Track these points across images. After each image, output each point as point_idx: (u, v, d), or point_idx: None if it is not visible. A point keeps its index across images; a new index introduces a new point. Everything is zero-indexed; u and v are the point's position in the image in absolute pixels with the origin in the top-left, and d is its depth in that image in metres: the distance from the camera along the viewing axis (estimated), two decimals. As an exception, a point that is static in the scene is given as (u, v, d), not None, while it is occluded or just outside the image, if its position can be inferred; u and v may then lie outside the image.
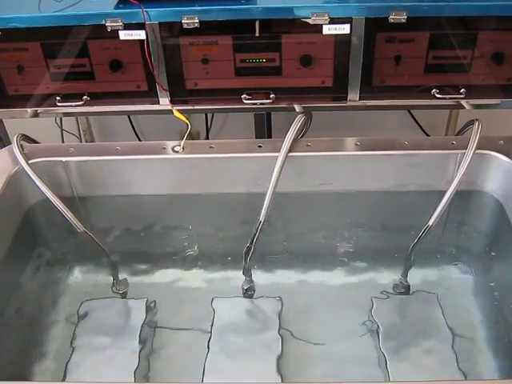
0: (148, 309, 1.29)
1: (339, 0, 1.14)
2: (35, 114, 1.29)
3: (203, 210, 1.31)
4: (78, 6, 1.17)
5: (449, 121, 1.76)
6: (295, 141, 1.21)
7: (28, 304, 1.27)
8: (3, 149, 1.27)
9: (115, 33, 1.15)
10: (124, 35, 1.15)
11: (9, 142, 1.32)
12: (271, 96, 1.24)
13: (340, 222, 1.33)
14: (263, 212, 1.17)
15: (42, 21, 1.15)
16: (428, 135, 1.80)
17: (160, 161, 1.23)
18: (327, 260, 1.39)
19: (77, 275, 1.41)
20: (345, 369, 1.22)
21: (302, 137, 1.28)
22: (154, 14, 1.13)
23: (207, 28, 1.15)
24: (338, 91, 1.24)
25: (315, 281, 1.39)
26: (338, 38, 1.17)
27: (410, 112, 1.76)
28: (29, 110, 1.28)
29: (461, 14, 1.13)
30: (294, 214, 1.32)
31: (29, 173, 1.18)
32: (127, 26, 1.14)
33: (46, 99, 1.26)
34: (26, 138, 1.28)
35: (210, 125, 1.81)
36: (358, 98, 1.24)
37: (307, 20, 1.13)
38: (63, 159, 1.23)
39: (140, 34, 1.15)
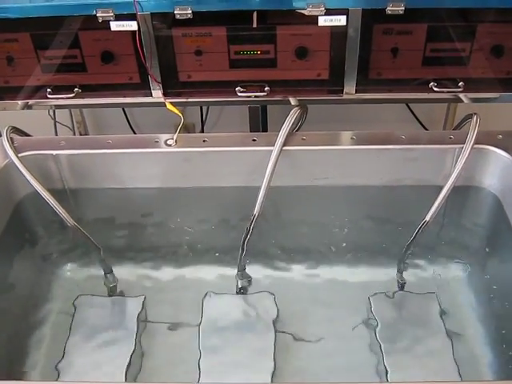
0: (143, 306, 1.27)
1: (335, -10, 1.12)
2: (26, 106, 1.27)
3: (196, 204, 1.29)
4: (69, -5, 1.15)
5: (447, 114, 1.74)
6: (290, 134, 1.19)
7: (18, 299, 1.25)
8: (-8, 141, 1.25)
9: (106, 24, 1.12)
10: (115, 26, 1.13)
11: (-1, 135, 1.30)
12: (266, 89, 1.21)
13: (335, 217, 1.31)
14: (257, 206, 1.16)
15: (32, 11, 1.13)
16: (426, 129, 1.78)
17: (152, 154, 1.21)
18: (322, 255, 1.37)
19: (68, 269, 1.39)
20: (340, 366, 1.21)
21: (297, 130, 1.26)
22: (146, 5, 1.11)
23: (200, 19, 1.12)
24: (334, 84, 1.22)
25: (310, 276, 1.37)
26: (334, 30, 1.14)
27: (407, 105, 1.74)
28: (19, 102, 1.26)
29: (460, 6, 1.10)
30: (288, 208, 1.30)
31: (18, 166, 1.15)
32: (119, 17, 1.12)
33: (37, 91, 1.24)
34: (17, 130, 1.26)
35: (206, 117, 1.78)
36: (354, 91, 1.22)
37: (302, 11, 1.11)
38: (54, 152, 1.21)
39: (132, 25, 1.13)
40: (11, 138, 1.21)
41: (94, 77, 1.22)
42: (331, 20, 1.11)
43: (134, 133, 1.84)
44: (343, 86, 1.21)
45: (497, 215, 1.20)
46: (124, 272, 1.36)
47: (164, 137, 1.23)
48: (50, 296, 1.34)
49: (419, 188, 1.23)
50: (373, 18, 1.12)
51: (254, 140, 1.22)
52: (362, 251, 1.37)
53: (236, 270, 1.28)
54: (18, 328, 1.25)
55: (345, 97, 1.23)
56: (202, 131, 1.80)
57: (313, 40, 1.16)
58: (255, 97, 1.23)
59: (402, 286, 1.28)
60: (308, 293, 1.33)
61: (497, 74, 1.19)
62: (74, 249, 1.37)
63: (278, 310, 1.26)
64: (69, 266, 1.40)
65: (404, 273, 1.27)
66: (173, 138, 1.22)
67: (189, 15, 1.11)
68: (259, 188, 1.15)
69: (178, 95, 1.25)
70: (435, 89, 1.20)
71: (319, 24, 1.12)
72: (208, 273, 1.38)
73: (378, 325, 1.22)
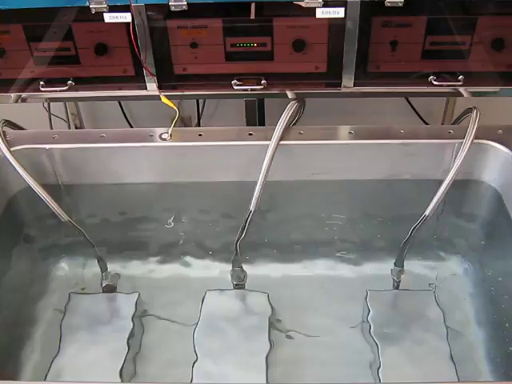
0: (137, 302, 1.25)
1: (333, -19, 1.10)
2: (19, 99, 1.25)
3: (191, 199, 1.27)
4: (62, -14, 1.12)
5: (446, 108, 1.72)
6: (287, 129, 1.17)
7: (12, 295, 1.23)
8: (-15, 136, 1.23)
9: (100, 15, 1.10)
10: (109, 18, 1.11)
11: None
12: (262, 82, 1.19)
13: (333, 213, 1.30)
14: (253, 201, 1.14)
15: (24, 2, 1.10)
16: (425, 122, 1.76)
17: (147, 149, 1.19)
18: (319, 251, 1.36)
19: (63, 265, 1.38)
20: (337, 362, 1.20)
21: (295, 124, 1.24)
22: (141, -4, 1.09)
23: (196, 11, 1.10)
24: (332, 77, 1.20)
25: (307, 272, 1.35)
26: (332, 22, 1.12)
27: (407, 99, 1.72)
28: (12, 94, 1.24)
29: (460, -2, 1.09)
30: (285, 203, 1.28)
31: (11, 160, 1.13)
32: (112, 8, 1.09)
33: (30, 84, 1.22)
34: (10, 123, 1.24)
35: (202, 110, 1.76)
36: (352, 85, 1.20)
37: (300, 3, 1.09)
38: (47, 146, 1.19)
39: (126, 17, 1.11)
40: (3, 131, 1.19)
41: (88, 69, 1.20)
42: (329, 12, 1.09)
43: (131, 126, 1.81)
44: (341, 80, 1.19)
45: (496, 210, 1.19)
46: (118, 268, 1.34)
47: (159, 131, 1.21)
48: (44, 292, 1.32)
49: (418, 182, 1.21)
50: (371, 10, 1.10)
51: (251, 134, 1.20)
52: (359, 246, 1.35)
53: (231, 266, 1.26)
54: (10, 324, 1.23)
55: (343, 90, 1.21)
56: (199, 124, 1.78)
57: (310, 32, 1.14)
58: (251, 90, 1.21)
59: (399, 283, 1.26)
60: (304, 289, 1.32)
61: (497, 68, 1.17)
62: (69, 245, 1.35)
63: (272, 308, 1.24)
64: (63, 261, 1.38)
65: (402, 269, 1.26)
66: (168, 132, 1.20)
67: (184, 7, 1.09)
68: (255, 183, 1.13)
69: (174, 88, 1.23)
70: (435, 82, 1.18)
71: (317, 16, 1.10)
72: (203, 268, 1.36)
73: (373, 321, 1.21)
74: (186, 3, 1.08)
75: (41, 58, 1.19)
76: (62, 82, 1.20)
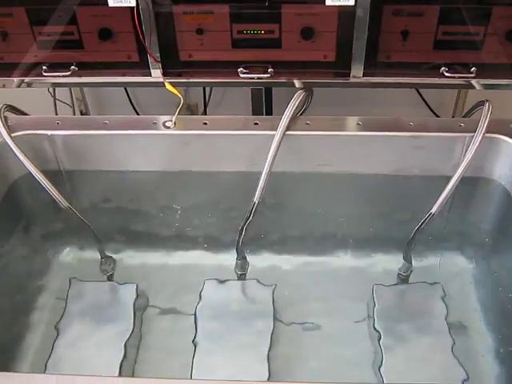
0: (137, 292, 1.24)
1: (344, -32, 1.07)
2: (22, 84, 1.23)
3: (194, 188, 1.25)
4: (65, -31, 1.10)
5: (457, 99, 1.68)
6: (294, 118, 1.14)
7: (12, 282, 1.22)
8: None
9: (104, -1, 1.08)
10: (113, 2, 1.08)
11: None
12: (269, 70, 1.16)
13: (338, 205, 1.27)
14: (258, 193, 1.12)
15: (27, -15, 1.09)
16: (435, 114, 1.72)
17: (150, 137, 1.17)
18: (324, 245, 1.33)
19: (63, 252, 1.37)
20: (339, 356, 1.18)
21: (302, 114, 1.22)
22: (146, -20, 1.06)
23: (202, -4, 1.08)
24: (341, 66, 1.16)
25: (311, 266, 1.33)
26: (342, 10, 1.09)
27: (417, 89, 1.68)
28: (15, 79, 1.21)
29: (474, -13, 1.05)
30: (290, 195, 1.26)
31: (11, 146, 1.11)
32: (117, -8, 1.07)
33: (33, 68, 1.19)
34: (13, 108, 1.22)
35: (209, 98, 1.73)
36: (361, 75, 1.16)
37: (309, -11, 1.06)
38: (49, 133, 1.17)
39: (130, 1, 1.07)
40: (5, 116, 1.16)
41: (92, 54, 1.18)
42: (339, -1, 1.06)
43: (137, 112, 1.79)
44: (350, 69, 1.16)
45: (506, 208, 1.16)
46: (120, 257, 1.33)
47: (163, 118, 1.19)
48: (46, 279, 1.31)
49: (426, 178, 1.18)
50: (383, -3, 1.06)
51: (256, 124, 1.17)
52: (365, 241, 1.33)
53: (235, 258, 1.24)
54: (11, 312, 1.22)
55: (352, 80, 1.17)
56: (205, 112, 1.75)
57: (319, 20, 1.11)
58: (258, 78, 1.18)
59: (406, 278, 1.24)
60: (309, 282, 1.30)
61: (511, 60, 1.14)
62: (70, 232, 1.33)
63: (273, 300, 1.23)
64: (66, 249, 1.37)
65: (408, 264, 1.23)
66: (172, 120, 1.18)
67: (190, -8, 1.06)
68: (260, 174, 1.10)
69: (178, 75, 1.20)
70: (446, 74, 1.14)
71: (326, 3, 1.06)
72: (206, 259, 1.35)
73: (378, 314, 1.19)
74: (192, -12, 1.06)
75: (44, 42, 1.16)
76: (65, 66, 1.18)
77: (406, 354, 1.13)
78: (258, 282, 1.26)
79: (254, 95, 1.38)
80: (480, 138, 1.09)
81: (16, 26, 1.14)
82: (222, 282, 1.26)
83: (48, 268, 1.34)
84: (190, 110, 1.78)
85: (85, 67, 1.19)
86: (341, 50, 1.15)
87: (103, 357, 1.14)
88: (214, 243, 1.36)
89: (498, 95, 1.17)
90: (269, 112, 1.46)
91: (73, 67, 1.18)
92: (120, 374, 1.10)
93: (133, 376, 1.15)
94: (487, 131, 1.09)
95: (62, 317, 1.21)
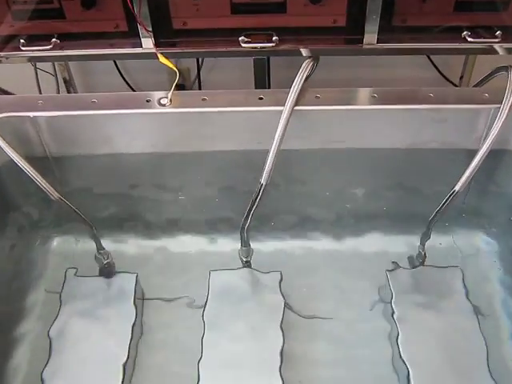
0: (137, 282, 1.16)
1: None
2: (-1, 59, 1.11)
3: (194, 170, 1.15)
4: None
5: (466, 61, 1.58)
6: (302, 91, 1.04)
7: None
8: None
9: (86, -40, 0.96)
10: (97, -36, 0.96)
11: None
12: (274, 38, 1.05)
13: (352, 184, 1.19)
14: (265, 174, 1.02)
15: None
16: (446, 77, 1.62)
17: (143, 116, 1.06)
18: (337, 226, 1.26)
19: (55, 243, 1.28)
20: (352, 345, 1.12)
21: (305, 81, 1.11)
22: None
23: (197, -45, 0.96)
24: (353, 32, 1.06)
25: (323, 248, 1.26)
26: (355, -32, 0.98)
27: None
28: (-11, 54, 1.10)
29: None
30: (299, 174, 1.17)
31: (-10, 131, 1.01)
32: (100, -48, 0.95)
33: (8, 42, 1.07)
34: (-9, 87, 1.10)
35: (202, 61, 1.61)
36: (375, 41, 1.06)
37: None
38: (31, 114, 1.05)
39: (116, -37, 0.96)
40: (-18, 97, 1.05)
41: (74, 24, 1.06)
42: (351, -44, 0.95)
43: (133, 89, 1.66)
44: (363, 35, 1.06)
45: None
46: (113, 246, 1.24)
47: (157, 95, 1.07)
48: (36, 272, 1.22)
49: (446, 151, 1.10)
50: (400, -47, 0.96)
51: (261, 98, 1.07)
52: (381, 221, 1.25)
53: (240, 243, 1.16)
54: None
55: (365, 47, 1.07)
56: (198, 77, 1.62)
57: (329, -20, 1.00)
58: (261, 48, 1.07)
59: (423, 260, 1.17)
60: (322, 266, 1.23)
61: (540, 22, 1.04)
62: (61, 221, 1.24)
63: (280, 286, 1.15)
64: (56, 240, 1.28)
65: (426, 245, 1.16)
66: (167, 97, 1.07)
67: (184, -49, 0.94)
68: (266, 153, 1.00)
69: (172, 45, 1.09)
70: (469, 39, 1.04)
71: (337, -39, 0.96)
72: (208, 245, 1.27)
73: (394, 300, 1.12)
74: None
75: (20, 11, 1.04)
76: (45, 39, 1.06)
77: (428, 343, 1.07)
78: (264, 271, 1.18)
79: (256, 67, 1.27)
80: (507, 110, 1.00)
81: (-13, -7, 1.02)
82: (227, 270, 1.17)
83: (40, 260, 1.25)
84: (181, 75, 1.65)
85: (68, 39, 1.07)
86: (352, 14, 1.04)
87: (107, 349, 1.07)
88: (217, 228, 1.27)
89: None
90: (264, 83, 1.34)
91: (54, 39, 1.06)
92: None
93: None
94: (512, 101, 1.00)
95: (57, 316, 1.12)
